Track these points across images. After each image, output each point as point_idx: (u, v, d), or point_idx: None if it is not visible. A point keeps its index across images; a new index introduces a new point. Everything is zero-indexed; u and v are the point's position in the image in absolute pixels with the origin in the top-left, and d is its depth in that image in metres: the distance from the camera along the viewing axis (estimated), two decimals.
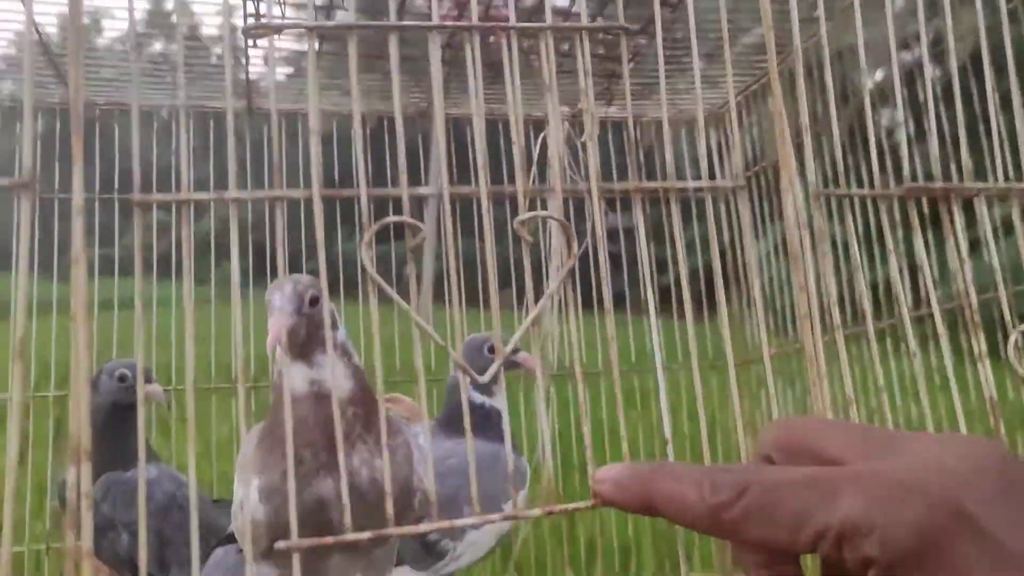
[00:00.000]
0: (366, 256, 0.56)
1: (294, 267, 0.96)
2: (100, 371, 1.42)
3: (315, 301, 0.90)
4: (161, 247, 1.67)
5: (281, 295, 0.87)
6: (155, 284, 1.79)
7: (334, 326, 0.93)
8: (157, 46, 1.77)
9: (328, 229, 0.55)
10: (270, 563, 0.96)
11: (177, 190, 0.53)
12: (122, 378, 1.40)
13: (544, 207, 0.67)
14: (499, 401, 1.33)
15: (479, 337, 1.43)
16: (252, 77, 1.69)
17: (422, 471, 0.97)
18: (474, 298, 1.56)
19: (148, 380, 1.42)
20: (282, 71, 1.93)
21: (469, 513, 1.13)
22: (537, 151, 1.62)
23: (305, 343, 0.89)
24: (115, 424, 1.35)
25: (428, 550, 1.27)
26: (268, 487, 0.92)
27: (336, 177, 1.94)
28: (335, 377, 0.90)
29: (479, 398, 1.35)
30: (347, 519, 0.57)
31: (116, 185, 1.85)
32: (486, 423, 1.30)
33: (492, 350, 1.42)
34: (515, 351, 1.37)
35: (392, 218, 0.61)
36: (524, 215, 0.60)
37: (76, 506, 0.49)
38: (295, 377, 0.90)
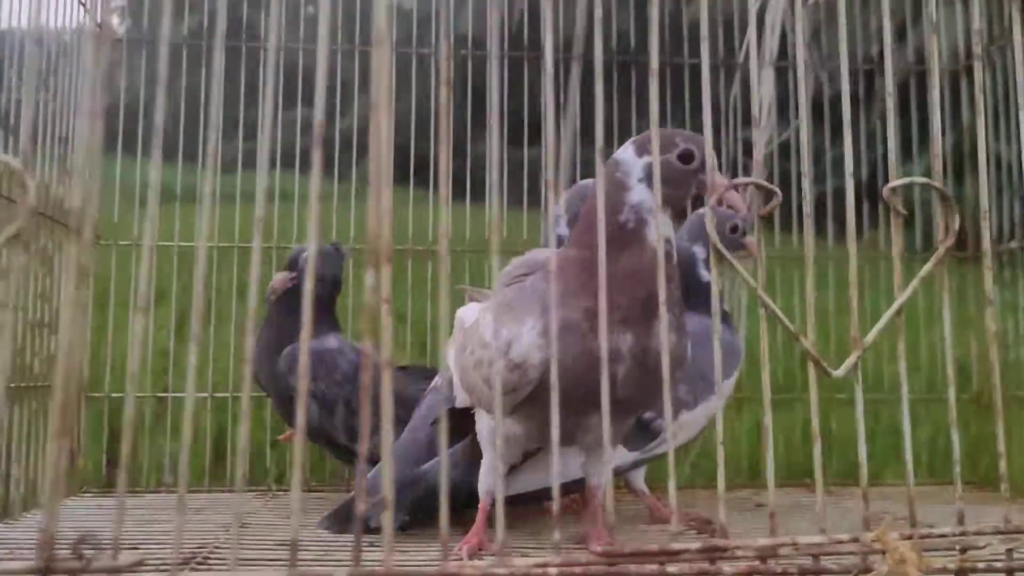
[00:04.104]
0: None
1: None
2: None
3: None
4: None
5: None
6: None
7: None
8: None
9: None
10: (516, 415, 0.97)
11: None
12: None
13: None
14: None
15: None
16: None
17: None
18: None
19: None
20: None
21: (684, 392, 1.21)
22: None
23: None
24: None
25: (643, 429, 1.22)
26: (562, 323, 0.87)
27: None
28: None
29: (706, 274, 1.28)
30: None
31: None
32: (702, 298, 1.22)
33: (734, 229, 1.35)
34: (743, 232, 1.34)
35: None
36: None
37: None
38: (657, 228, 0.92)
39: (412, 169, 1.74)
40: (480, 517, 1.05)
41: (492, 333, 0.99)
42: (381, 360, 0.56)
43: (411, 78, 1.77)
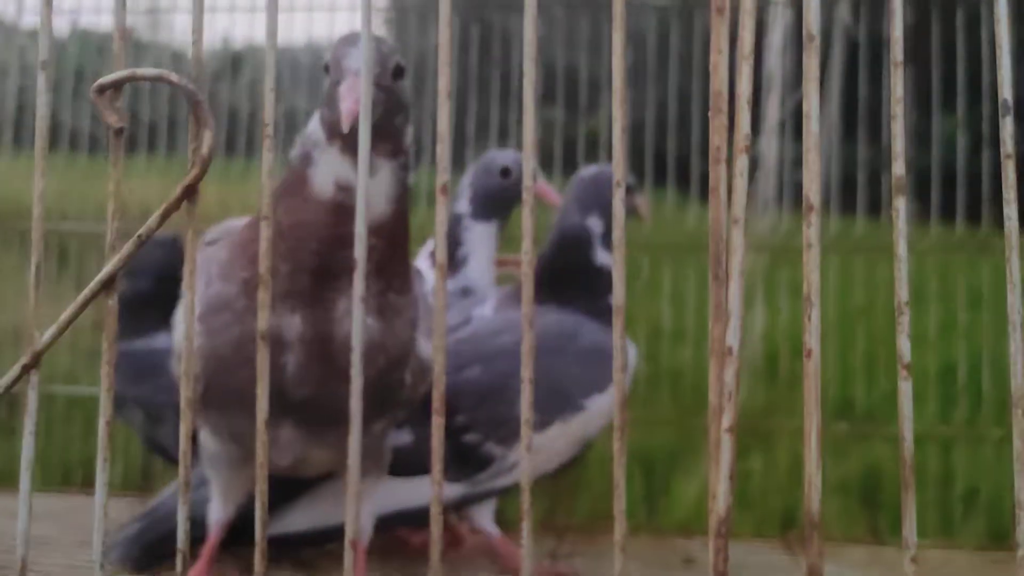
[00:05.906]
0: None
1: None
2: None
3: (400, 73, 0.69)
4: None
5: (359, 55, 0.64)
6: None
7: (405, 120, 0.71)
8: None
9: None
10: (206, 427, 0.78)
11: None
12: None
13: None
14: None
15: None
16: None
17: (427, 341, 0.74)
18: None
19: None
20: None
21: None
22: None
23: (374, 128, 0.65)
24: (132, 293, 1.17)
25: (464, 456, 0.91)
26: (216, 300, 0.70)
27: None
28: (377, 189, 0.68)
29: (603, 256, 0.98)
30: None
31: None
32: (591, 289, 0.97)
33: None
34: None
35: None
36: None
37: None
38: (325, 168, 0.68)
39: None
40: (203, 553, 0.82)
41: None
42: None
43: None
